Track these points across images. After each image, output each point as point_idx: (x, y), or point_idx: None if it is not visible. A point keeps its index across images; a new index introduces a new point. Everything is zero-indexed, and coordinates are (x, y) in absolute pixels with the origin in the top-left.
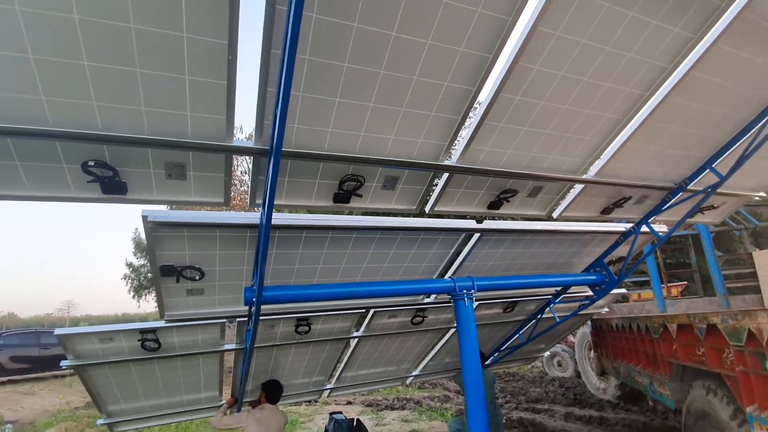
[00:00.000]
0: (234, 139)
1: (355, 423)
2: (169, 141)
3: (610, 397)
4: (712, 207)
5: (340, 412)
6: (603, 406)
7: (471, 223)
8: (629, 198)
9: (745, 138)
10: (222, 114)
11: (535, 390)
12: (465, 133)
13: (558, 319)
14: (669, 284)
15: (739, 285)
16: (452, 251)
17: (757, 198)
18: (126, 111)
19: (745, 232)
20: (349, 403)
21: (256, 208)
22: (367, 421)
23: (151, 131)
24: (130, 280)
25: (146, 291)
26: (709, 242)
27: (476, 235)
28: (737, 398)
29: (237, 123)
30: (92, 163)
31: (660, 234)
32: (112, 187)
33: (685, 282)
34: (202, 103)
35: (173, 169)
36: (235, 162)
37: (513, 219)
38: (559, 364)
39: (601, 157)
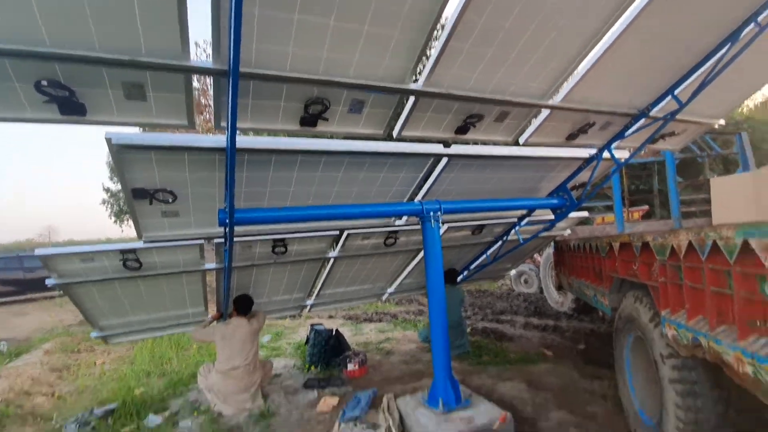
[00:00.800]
0: (191, 58)
1: (333, 332)
2: (122, 60)
3: (566, 309)
4: (673, 134)
5: (321, 324)
6: (559, 317)
7: (438, 148)
8: (593, 124)
9: (707, 65)
10: (175, 32)
11: (501, 304)
12: (431, 56)
13: (522, 240)
14: (631, 209)
15: (695, 210)
16: (421, 176)
17: (717, 126)
18: (73, 26)
19: (706, 159)
20: (330, 317)
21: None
22: (346, 331)
23: (102, 48)
24: (109, 205)
25: (127, 216)
26: (672, 168)
27: (444, 160)
28: (656, 304)
29: (206, 37)
30: (45, 83)
31: (619, 160)
32: (69, 107)
33: (647, 207)
34: (152, 19)
35: (131, 89)
36: (208, 81)
37: (481, 144)
38: (526, 282)
39: (567, 82)
